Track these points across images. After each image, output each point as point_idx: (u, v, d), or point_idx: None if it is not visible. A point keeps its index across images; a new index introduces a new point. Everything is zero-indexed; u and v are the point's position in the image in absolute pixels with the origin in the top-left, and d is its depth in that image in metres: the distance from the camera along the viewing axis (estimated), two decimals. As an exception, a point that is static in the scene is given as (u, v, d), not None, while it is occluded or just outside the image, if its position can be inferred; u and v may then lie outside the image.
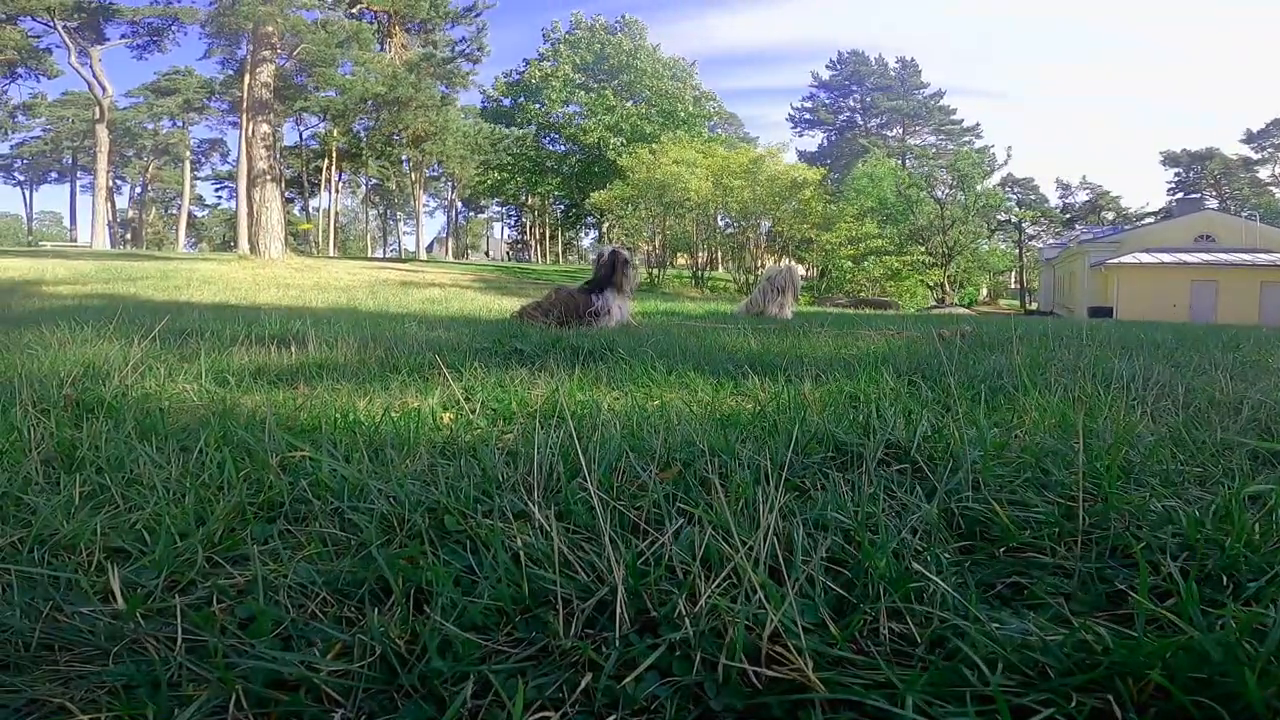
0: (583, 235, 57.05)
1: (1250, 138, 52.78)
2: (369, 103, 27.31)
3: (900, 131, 56.35)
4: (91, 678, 0.73)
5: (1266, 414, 1.74)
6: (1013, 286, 52.38)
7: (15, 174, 54.94)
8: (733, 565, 0.85)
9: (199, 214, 63.21)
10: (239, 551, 1.00)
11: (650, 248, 32.99)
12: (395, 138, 32.82)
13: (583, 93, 42.43)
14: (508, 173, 44.11)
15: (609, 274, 5.32)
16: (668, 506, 1.08)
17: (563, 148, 44.74)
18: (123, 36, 30.19)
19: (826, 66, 59.26)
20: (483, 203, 57.74)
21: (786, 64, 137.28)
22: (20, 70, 32.82)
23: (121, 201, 57.23)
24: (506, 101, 44.70)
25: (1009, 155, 61.74)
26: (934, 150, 48.72)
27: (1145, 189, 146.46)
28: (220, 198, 62.06)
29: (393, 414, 1.74)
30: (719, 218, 31.36)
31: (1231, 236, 29.81)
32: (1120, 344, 3.73)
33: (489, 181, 46.24)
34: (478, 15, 29.80)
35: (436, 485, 1.17)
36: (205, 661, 0.73)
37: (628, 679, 0.70)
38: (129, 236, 56.89)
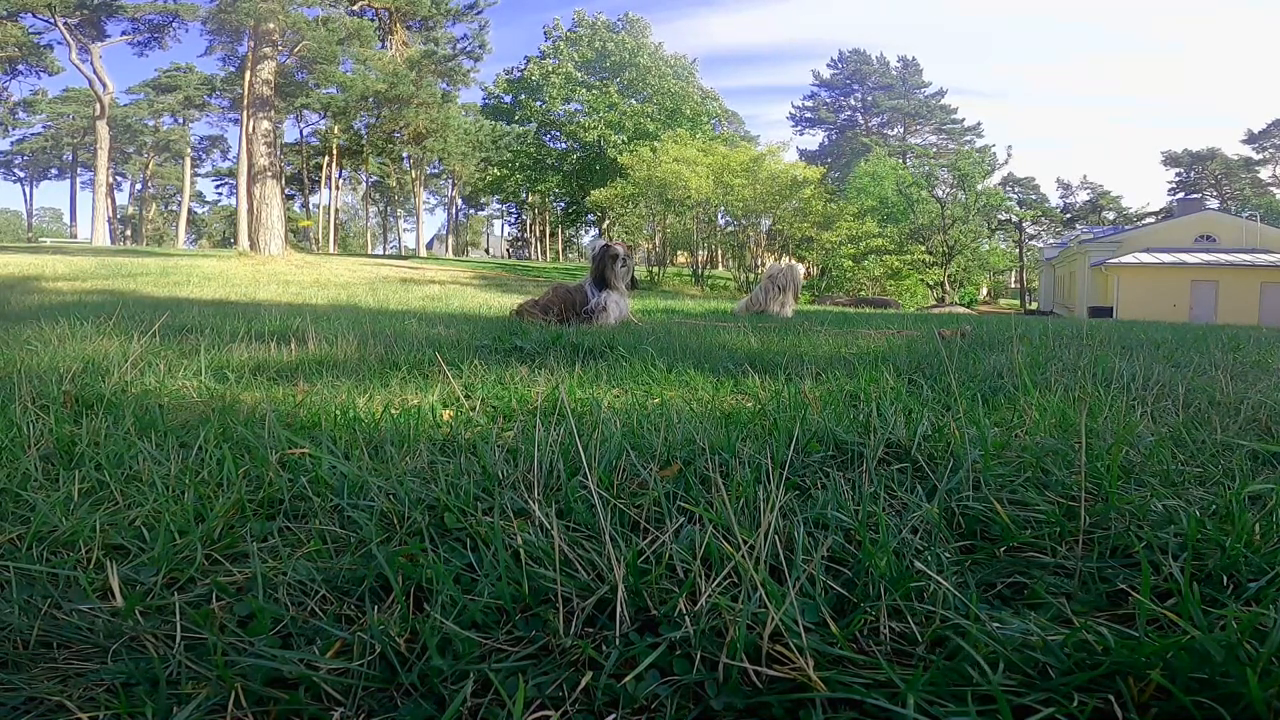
0: (583, 233, 57.03)
1: (1251, 138, 52.73)
2: (370, 100, 27.25)
3: (901, 131, 56.29)
4: (90, 675, 0.73)
5: (1267, 414, 1.74)
6: (1013, 286, 52.39)
7: (16, 170, 54.89)
8: (733, 564, 0.85)
9: (199, 211, 63.24)
10: (238, 549, 1.00)
11: (651, 246, 32.99)
12: (396, 135, 32.75)
13: (584, 90, 42.38)
14: (508, 170, 44.02)
15: (599, 270, 5.30)
16: (668, 505, 1.08)
17: (563, 145, 44.69)
18: (123, 33, 30.14)
19: (828, 65, 59.23)
20: (483, 200, 57.65)
21: (787, 63, 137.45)
22: (21, 67, 32.80)
23: (122, 198, 57.32)
24: (507, 99, 44.62)
25: (1009, 155, 61.81)
26: (935, 149, 48.68)
27: (1146, 189, 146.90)
28: (220, 194, 62.16)
29: (392, 411, 1.74)
30: (719, 216, 31.33)
31: (1232, 237, 29.81)
32: (1120, 344, 3.73)
33: (489, 179, 46.19)
34: (479, 13, 29.71)
35: (436, 483, 1.17)
36: (204, 659, 0.73)
37: (628, 678, 0.70)
38: (129, 233, 56.88)
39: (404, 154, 39.11)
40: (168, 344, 2.90)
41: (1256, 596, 0.82)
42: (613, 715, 0.67)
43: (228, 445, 1.36)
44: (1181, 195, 48.72)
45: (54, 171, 55.37)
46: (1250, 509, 1.02)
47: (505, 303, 8.71)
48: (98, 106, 33.34)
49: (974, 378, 2.26)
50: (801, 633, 0.72)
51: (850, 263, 31.66)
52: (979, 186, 35.87)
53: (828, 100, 58.90)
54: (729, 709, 0.67)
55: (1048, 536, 1.00)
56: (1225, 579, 0.87)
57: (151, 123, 46.62)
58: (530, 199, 52.64)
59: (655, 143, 32.20)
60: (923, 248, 34.28)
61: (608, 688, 0.69)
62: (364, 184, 54.92)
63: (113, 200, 47.54)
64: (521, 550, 0.91)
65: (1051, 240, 46.34)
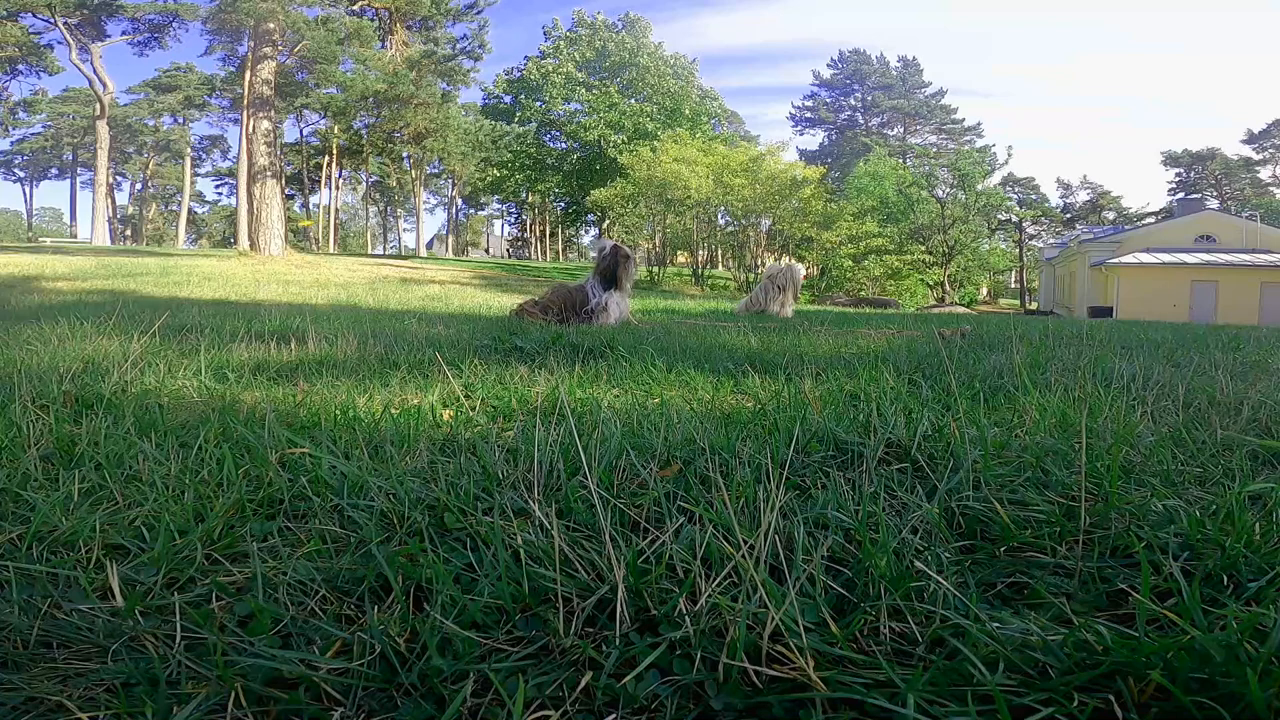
0: (583, 233, 57.05)
1: (1251, 138, 52.69)
2: (370, 100, 27.26)
3: (901, 130, 56.31)
4: (90, 675, 0.73)
5: (1267, 414, 1.74)
6: (1012, 286, 52.39)
7: (16, 170, 54.88)
8: (733, 564, 0.85)
9: (199, 210, 63.20)
10: (238, 549, 1.00)
11: (650, 245, 32.99)
12: (396, 135, 32.77)
13: (584, 90, 42.38)
14: (508, 170, 44.04)
15: (610, 270, 5.31)
16: (668, 505, 1.08)
17: (563, 145, 44.71)
18: (124, 33, 30.14)
19: (828, 65, 59.32)
20: (483, 200, 57.69)
21: (787, 63, 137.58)
22: (21, 67, 32.80)
23: (122, 198, 57.31)
24: (507, 99, 44.63)
25: (1010, 154, 61.62)
26: (935, 149, 48.65)
27: (1146, 189, 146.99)
28: (221, 194, 62.12)
29: (392, 411, 1.74)
30: (719, 216, 31.32)
31: (1232, 237, 29.80)
32: (1120, 344, 3.73)
33: (489, 178, 46.20)
34: (479, 12, 29.75)
35: (436, 482, 1.17)
36: (204, 659, 0.73)
37: (628, 678, 0.70)
38: (129, 233, 56.88)
39: (404, 154, 39.13)
40: (168, 344, 2.90)
41: (1256, 596, 0.82)
42: (613, 715, 0.67)
43: (228, 445, 1.36)
44: (1181, 195, 48.72)
45: (54, 171, 55.38)
46: (1250, 509, 1.02)
47: (505, 302, 8.71)
48: (98, 106, 33.33)
49: (974, 378, 2.26)
50: (801, 633, 0.72)
51: (850, 263, 31.66)
52: (979, 186, 35.85)
53: (828, 100, 58.90)
54: (729, 709, 0.67)
55: (1048, 536, 1.00)
56: (1225, 579, 0.87)
57: (151, 123, 46.58)
58: (530, 199, 52.66)
59: (655, 142, 32.20)
60: (923, 248, 34.28)
61: (608, 688, 0.69)
62: (364, 184, 54.87)
63: (113, 200, 47.56)
64: (521, 550, 0.91)
65: (1051, 240, 46.31)
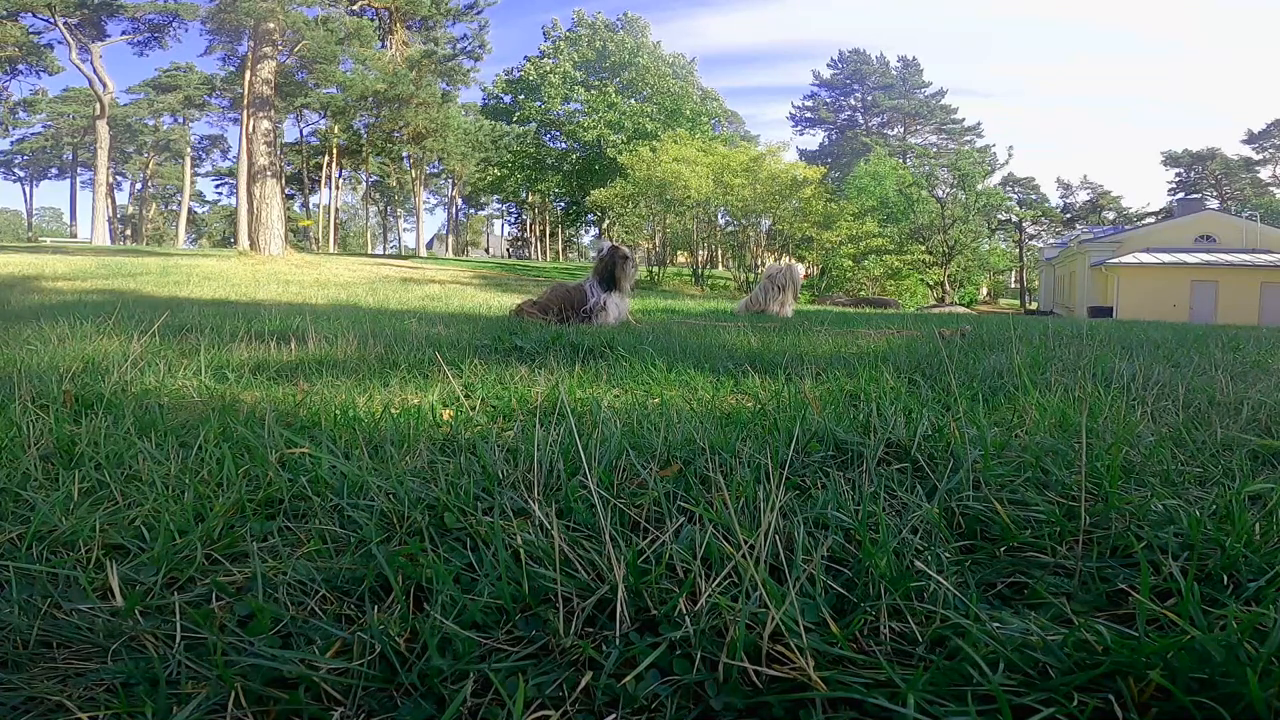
0: (583, 232, 57.09)
1: (1251, 138, 52.68)
2: (370, 100, 27.26)
3: (901, 130, 56.28)
4: (90, 675, 0.73)
5: (1267, 414, 1.74)
6: (1012, 286, 52.42)
7: (16, 170, 54.88)
8: (733, 564, 0.85)
9: (199, 210, 63.22)
10: (238, 549, 1.00)
11: (650, 245, 33.00)
12: (396, 134, 32.77)
13: (582, 90, 42.39)
14: (508, 170, 44.08)
15: (608, 271, 5.32)
16: (668, 504, 1.08)
17: (563, 145, 44.73)
18: (123, 33, 30.15)
19: (827, 65, 59.24)
20: (483, 200, 57.74)
21: (787, 63, 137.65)
22: (21, 66, 32.77)
23: (122, 198, 57.34)
24: (507, 99, 44.65)
25: (1010, 154, 61.91)
26: (935, 149, 48.65)
27: (1146, 189, 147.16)
28: (220, 194, 62.14)
29: (392, 411, 1.74)
30: (719, 216, 31.33)
31: (1232, 237, 29.81)
32: (1120, 344, 3.72)
33: (489, 178, 46.24)
34: (479, 12, 29.76)
35: (436, 482, 1.17)
36: (204, 659, 0.73)
37: (628, 678, 0.70)
38: (129, 232, 56.90)
39: (404, 154, 39.14)
40: (168, 343, 2.90)
41: (1256, 596, 0.82)
42: (613, 715, 0.67)
43: (228, 445, 1.36)
44: (1181, 195, 48.71)
45: (54, 171, 55.37)
46: (1250, 509, 1.02)
47: (505, 302, 8.71)
48: (98, 106, 33.35)
49: (974, 378, 2.26)
50: (801, 632, 0.72)
51: (850, 262, 31.68)
52: (979, 186, 35.90)
53: (828, 100, 58.86)
54: (729, 709, 0.67)
55: (1048, 536, 1.00)
56: (1225, 579, 0.87)
57: (151, 122, 46.58)
58: (530, 199, 52.68)
59: (655, 142, 32.21)
60: (923, 248, 34.31)
61: (608, 688, 0.69)
62: (364, 184, 54.86)
63: (113, 200, 47.60)
64: (521, 550, 0.91)
65: (1051, 240, 46.30)
